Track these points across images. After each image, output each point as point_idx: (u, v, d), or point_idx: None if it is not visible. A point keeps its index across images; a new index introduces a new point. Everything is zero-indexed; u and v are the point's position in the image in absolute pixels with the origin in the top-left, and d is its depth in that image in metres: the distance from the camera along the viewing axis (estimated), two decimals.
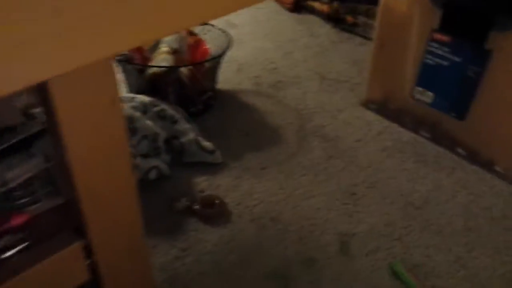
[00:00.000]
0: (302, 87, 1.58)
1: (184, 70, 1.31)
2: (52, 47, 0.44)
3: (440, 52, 1.22)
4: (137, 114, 1.20)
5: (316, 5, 2.01)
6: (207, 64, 1.36)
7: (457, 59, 1.18)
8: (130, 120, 1.16)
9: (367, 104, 1.50)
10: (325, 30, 1.92)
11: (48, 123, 0.61)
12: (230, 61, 1.67)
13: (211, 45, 1.46)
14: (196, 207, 1.13)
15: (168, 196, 1.17)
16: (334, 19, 1.94)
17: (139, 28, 0.51)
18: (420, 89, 1.31)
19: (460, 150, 1.31)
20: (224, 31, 1.45)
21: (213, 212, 1.13)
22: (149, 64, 1.34)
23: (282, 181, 1.23)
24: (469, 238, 1.09)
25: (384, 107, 1.46)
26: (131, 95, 1.26)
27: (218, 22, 1.87)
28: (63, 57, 0.46)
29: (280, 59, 1.72)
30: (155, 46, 1.37)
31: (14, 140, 0.67)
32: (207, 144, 1.27)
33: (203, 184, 1.21)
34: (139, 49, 1.36)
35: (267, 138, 1.36)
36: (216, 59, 1.38)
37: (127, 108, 1.18)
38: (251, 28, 1.88)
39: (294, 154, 1.31)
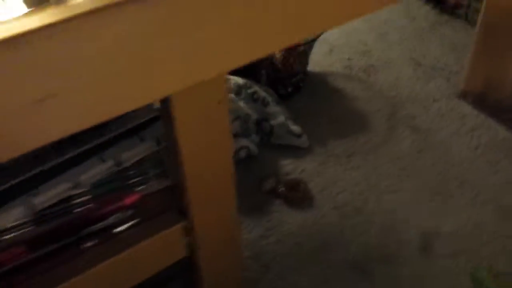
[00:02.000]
0: (395, 73, 1.55)
1: (277, 53, 1.33)
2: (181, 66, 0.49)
3: None
4: (231, 95, 1.24)
5: None
6: (300, 47, 1.37)
7: None
8: None
9: (463, 95, 1.43)
10: (424, 11, 1.83)
11: (164, 116, 0.67)
12: (322, 42, 1.66)
13: None
14: (282, 189, 1.17)
15: (255, 176, 1.22)
16: (435, 0, 1.85)
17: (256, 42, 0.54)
18: None
19: None
20: None
21: (297, 195, 1.16)
22: None
23: (368, 171, 1.23)
24: None
25: (481, 101, 1.39)
26: (225, 76, 1.30)
27: None
28: (189, 73, 0.50)
29: (374, 41, 1.68)
30: None
31: (130, 126, 0.74)
32: (295, 127, 1.29)
33: (289, 167, 1.25)
34: None
35: (355, 125, 1.36)
36: (310, 43, 1.39)
37: None
38: None
39: (381, 144, 1.30)
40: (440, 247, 1.06)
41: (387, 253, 1.05)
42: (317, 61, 1.59)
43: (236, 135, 1.25)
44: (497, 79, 1.31)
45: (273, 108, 1.30)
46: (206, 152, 0.69)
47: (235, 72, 1.39)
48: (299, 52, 1.40)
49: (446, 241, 1.07)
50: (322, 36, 1.68)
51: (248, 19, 0.51)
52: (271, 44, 0.58)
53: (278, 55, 1.33)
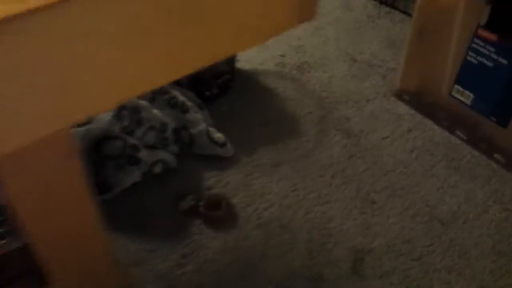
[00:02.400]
0: (329, 70, 1.45)
1: None
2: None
3: (484, 51, 1.06)
4: (143, 103, 1.11)
5: None
6: None
7: (503, 61, 1.03)
8: (136, 110, 1.08)
9: (399, 94, 1.36)
10: (362, 2, 1.74)
11: None
12: None
13: None
14: (202, 208, 1.06)
15: (173, 192, 1.10)
16: None
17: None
18: (460, 88, 1.16)
19: (498, 157, 1.17)
20: None
21: (218, 214, 1.06)
22: None
23: (296, 181, 1.14)
24: (498, 263, 0.98)
25: (418, 100, 1.32)
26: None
27: None
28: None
29: (309, 36, 1.58)
30: None
31: None
32: (218, 135, 1.18)
33: (211, 180, 1.13)
34: None
35: (284, 130, 1.26)
36: None
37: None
38: None
39: (312, 150, 1.21)
40: (371, 265, 0.98)
41: (315, 274, 0.96)
42: (247, 58, 1.48)
43: (152, 147, 1.13)
44: (434, 77, 1.24)
45: (194, 114, 1.18)
46: (55, 213, 0.56)
47: None
48: None
49: (377, 258, 0.99)
50: None
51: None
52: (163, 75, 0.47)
53: None
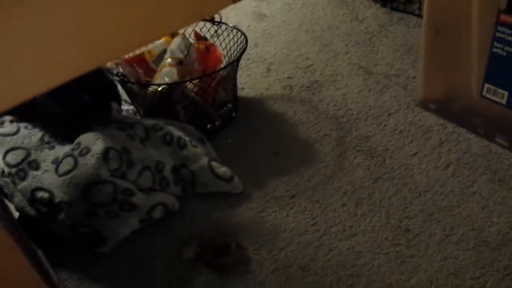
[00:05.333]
0: (342, 87, 1.32)
1: (188, 83, 1.09)
2: None
3: (511, 38, 0.91)
4: (134, 143, 1.00)
5: None
6: (219, 73, 1.14)
7: None
8: (125, 150, 0.97)
9: (424, 104, 1.21)
10: (372, 11, 1.62)
11: None
12: (258, 61, 1.44)
13: (230, 47, 1.24)
14: (209, 254, 0.92)
15: (176, 238, 0.97)
16: None
17: None
18: (490, 86, 1.01)
19: None
20: (239, 30, 1.21)
21: (228, 261, 0.91)
22: (153, 78, 1.14)
23: (316, 213, 0.99)
24: None
25: (446, 108, 1.17)
26: (131, 120, 1.06)
27: (245, 13, 1.64)
28: None
29: (317, 53, 1.46)
30: (161, 57, 1.16)
31: None
32: (223, 170, 1.05)
33: (219, 221, 1.00)
34: (142, 60, 1.16)
35: (298, 157, 1.12)
36: (231, 65, 1.16)
37: (121, 137, 0.99)
38: (283, 18, 1.63)
39: (331, 176, 1.06)
40: None
41: None
42: (253, 84, 1.36)
43: (150, 190, 1.01)
44: (459, 79, 1.09)
45: (192, 149, 1.05)
46: None
47: (150, 112, 1.15)
48: (221, 78, 1.17)
49: None
50: (258, 54, 1.46)
51: None
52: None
53: (189, 85, 1.09)
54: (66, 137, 1.01)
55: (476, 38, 1.00)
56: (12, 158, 0.97)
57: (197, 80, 1.08)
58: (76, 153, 0.95)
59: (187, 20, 0.51)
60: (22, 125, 1.04)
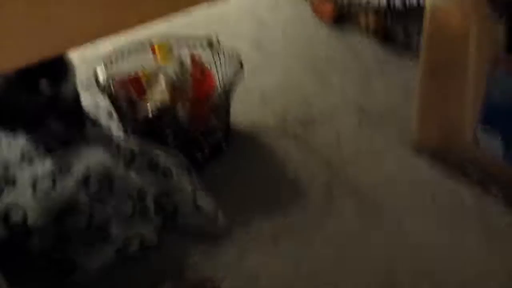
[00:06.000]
0: (337, 124, 1.29)
1: (181, 108, 1.05)
2: None
3: (509, 84, 0.89)
4: (118, 165, 0.95)
5: (362, 17, 1.70)
6: (213, 99, 1.10)
7: None
8: (106, 174, 0.92)
9: (418, 148, 1.18)
10: (371, 48, 1.60)
11: None
12: (253, 90, 1.40)
13: (225, 74, 1.20)
14: None
15: (151, 274, 0.92)
16: (383, 35, 1.63)
17: None
18: (486, 135, 0.98)
19: None
20: (236, 57, 1.18)
21: None
22: (145, 100, 1.10)
23: (300, 258, 0.95)
24: None
25: (441, 153, 1.14)
26: (117, 139, 1.02)
27: (244, 40, 1.61)
28: None
29: (313, 86, 1.43)
30: (154, 78, 1.12)
31: None
32: (207, 203, 1.01)
33: (197, 258, 0.95)
34: (136, 80, 1.12)
35: (286, 196, 1.08)
36: (227, 92, 1.12)
37: (104, 157, 0.94)
38: (281, 48, 1.60)
39: (317, 220, 1.02)
40: None
41: None
42: (246, 113, 1.32)
43: (128, 218, 0.96)
44: (455, 123, 1.06)
45: (178, 178, 1.01)
46: None
47: (137, 132, 1.10)
48: (213, 106, 1.13)
49: None
50: (253, 83, 1.42)
51: None
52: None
53: (180, 110, 1.05)
54: (47, 149, 0.95)
55: (472, 81, 0.97)
56: None
57: (188, 105, 1.04)
58: (55, 172, 0.89)
59: (161, 11, 0.51)
60: (1, 134, 0.99)
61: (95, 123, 1.06)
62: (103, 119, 1.11)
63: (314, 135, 1.25)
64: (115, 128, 1.11)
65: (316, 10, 1.77)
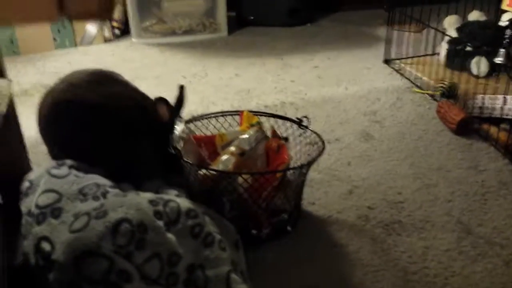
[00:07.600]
0: (428, 238, 1.08)
1: (240, 178, 0.97)
2: None
3: None
4: (158, 222, 0.89)
5: (493, 130, 1.48)
6: (283, 176, 1.00)
7: None
8: (141, 227, 0.86)
9: None
10: (497, 164, 1.37)
11: None
12: (344, 180, 1.27)
13: (306, 154, 1.11)
14: None
15: None
16: None
17: None
18: None
19: None
20: (320, 138, 1.08)
21: None
22: (214, 163, 1.05)
23: None
24: None
25: None
26: (168, 196, 0.97)
27: (354, 130, 1.51)
28: None
29: (413, 191, 1.25)
30: (230, 142, 1.08)
31: None
32: (242, 287, 0.88)
33: None
34: (211, 142, 1.09)
35: None
36: (301, 169, 1.01)
37: (146, 211, 0.89)
38: (390, 145, 1.46)
39: None
40: None
41: None
42: (328, 202, 1.19)
43: (153, 282, 0.87)
44: None
45: (217, 251, 0.91)
46: None
47: (193, 196, 1.05)
48: (284, 182, 1.03)
49: None
50: (346, 173, 1.30)
51: None
52: None
53: (240, 179, 0.97)
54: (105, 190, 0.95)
55: None
56: (43, 199, 0.93)
57: (248, 176, 0.96)
58: (93, 213, 0.87)
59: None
60: (75, 172, 1.02)
61: None
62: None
63: (397, 243, 1.06)
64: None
65: (441, 113, 1.60)
